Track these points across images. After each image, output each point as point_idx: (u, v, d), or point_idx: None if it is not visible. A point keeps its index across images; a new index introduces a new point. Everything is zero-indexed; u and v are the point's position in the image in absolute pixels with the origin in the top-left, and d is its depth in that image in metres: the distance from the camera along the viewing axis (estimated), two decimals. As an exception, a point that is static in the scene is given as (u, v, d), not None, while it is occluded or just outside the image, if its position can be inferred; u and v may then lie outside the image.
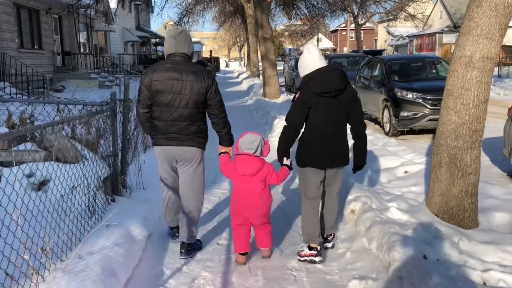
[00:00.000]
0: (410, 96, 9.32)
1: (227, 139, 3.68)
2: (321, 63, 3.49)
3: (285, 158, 3.55)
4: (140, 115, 3.59)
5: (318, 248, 3.60)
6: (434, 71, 10.87)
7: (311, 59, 3.49)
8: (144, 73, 3.52)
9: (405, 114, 9.25)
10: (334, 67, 4.01)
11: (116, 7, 29.94)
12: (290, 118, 3.49)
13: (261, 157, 3.46)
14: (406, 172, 5.43)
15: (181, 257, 3.61)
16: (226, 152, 3.65)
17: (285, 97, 15.13)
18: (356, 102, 3.60)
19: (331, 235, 3.83)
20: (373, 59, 12.16)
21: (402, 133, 9.70)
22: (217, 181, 5.75)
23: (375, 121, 11.61)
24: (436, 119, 9.54)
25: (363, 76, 12.18)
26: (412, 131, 9.68)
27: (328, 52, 65.71)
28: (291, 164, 3.57)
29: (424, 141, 9.18)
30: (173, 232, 3.91)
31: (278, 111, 11.26)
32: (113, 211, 3.66)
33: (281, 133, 3.56)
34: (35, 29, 17.90)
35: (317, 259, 3.56)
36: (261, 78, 27.73)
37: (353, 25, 69.72)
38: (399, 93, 9.47)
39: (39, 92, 13.46)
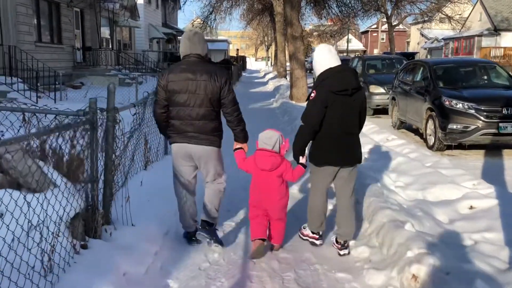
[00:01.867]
0: (460, 106, 8.04)
1: (242, 136, 3.75)
2: (335, 61, 3.54)
3: (301, 157, 3.61)
4: (157, 115, 3.68)
5: (320, 233, 3.80)
6: (485, 77, 9.52)
7: (323, 58, 3.56)
8: (160, 74, 3.67)
9: (454, 126, 7.99)
10: (347, 66, 3.90)
11: (143, 2, 29.54)
12: (307, 117, 3.52)
13: (279, 153, 3.52)
14: (471, 207, 4.24)
15: (198, 232, 3.72)
16: (241, 148, 3.76)
17: (314, 101, 13.97)
18: (365, 103, 3.68)
19: (346, 241, 3.73)
20: (415, 62, 10.90)
21: (449, 147, 8.45)
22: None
23: (416, 131, 10.34)
24: (492, 134, 8.51)
25: (402, 81, 10.92)
26: (460, 146, 8.41)
27: (358, 54, 64.01)
28: (306, 162, 3.64)
29: (476, 158, 7.91)
30: (189, 236, 3.87)
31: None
32: (79, 266, 2.63)
33: (298, 132, 3.60)
34: (55, 22, 17.24)
35: (317, 242, 3.80)
36: (288, 79, 26.71)
37: (384, 26, 68.02)
38: (447, 102, 8.20)
39: (50, 88, 12.68)
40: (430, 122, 8.67)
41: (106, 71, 19.39)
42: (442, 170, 5.47)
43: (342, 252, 3.66)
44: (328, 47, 3.71)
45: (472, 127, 7.87)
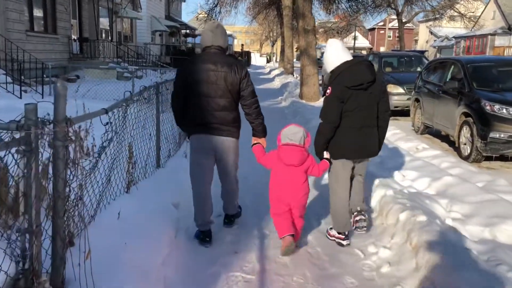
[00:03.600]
0: (505, 111, 6.91)
1: (261, 130, 3.73)
2: (346, 56, 3.57)
3: (324, 152, 3.64)
4: (174, 105, 3.68)
5: (346, 233, 3.72)
6: (527, 78, 8.37)
7: (335, 53, 3.58)
8: (181, 64, 3.70)
9: (497, 135, 6.85)
10: (361, 59, 3.87)
11: (145, -7, 28.36)
12: (326, 115, 3.54)
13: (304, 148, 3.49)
14: None
15: (225, 226, 3.98)
16: (258, 143, 3.71)
17: (326, 100, 12.83)
18: (385, 93, 3.68)
19: (362, 211, 3.73)
20: (444, 60, 9.75)
21: (487, 158, 7.32)
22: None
23: (443, 137, 9.20)
24: (540, 144, 7.45)
25: (428, 81, 9.77)
26: (501, 157, 7.28)
27: (364, 52, 62.69)
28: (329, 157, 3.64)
29: (521, 173, 6.80)
30: (203, 236, 3.69)
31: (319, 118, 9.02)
32: None
33: (318, 130, 3.62)
34: (49, 11, 16.09)
35: (344, 242, 3.70)
36: (295, 75, 25.54)
37: (392, 24, 66.72)
38: (488, 107, 7.06)
39: (41, 81, 11.55)
40: (465, 129, 7.53)
41: (104, 63, 18.25)
42: (503, 195, 4.34)
43: (360, 225, 3.68)
44: (339, 41, 3.72)
45: (519, 136, 6.74)
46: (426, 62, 14.40)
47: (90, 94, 11.13)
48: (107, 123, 2.76)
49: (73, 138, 2.12)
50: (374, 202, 4.18)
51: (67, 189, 2.23)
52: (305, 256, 3.43)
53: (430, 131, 9.83)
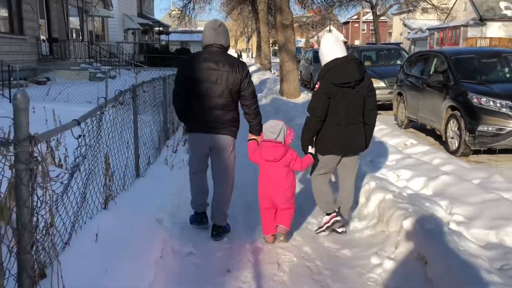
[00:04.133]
0: (492, 104, 6.78)
1: (258, 129, 3.77)
2: (341, 51, 3.62)
3: (309, 147, 3.71)
4: (175, 103, 3.74)
5: (337, 210, 3.78)
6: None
7: (329, 48, 3.63)
8: (182, 61, 3.77)
9: (486, 128, 6.72)
10: (351, 57, 3.80)
11: (115, -9, 27.57)
12: (312, 108, 3.63)
13: (284, 143, 3.55)
14: None
15: (213, 238, 3.75)
16: (254, 139, 3.78)
17: (306, 96, 12.58)
18: (372, 91, 3.73)
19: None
20: (426, 53, 9.62)
21: (475, 152, 7.20)
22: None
23: (427, 131, 9.07)
24: (531, 136, 7.34)
25: (410, 75, 9.63)
26: (488, 151, 7.16)
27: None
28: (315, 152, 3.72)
29: (510, 166, 6.68)
30: (199, 218, 3.86)
31: (303, 114, 8.74)
32: None
33: (305, 123, 3.70)
34: (15, 10, 15.35)
35: (338, 218, 3.76)
36: (272, 71, 25.27)
37: (366, 17, 67.13)
38: (475, 99, 6.92)
39: (8, 85, 10.93)
40: (452, 123, 7.39)
41: (75, 64, 17.61)
42: (502, 193, 4.16)
43: (340, 230, 3.76)
44: (335, 36, 3.72)
45: (508, 129, 6.62)
46: (405, 55, 14.36)
47: (61, 97, 10.62)
48: (79, 136, 2.41)
49: (40, 159, 1.76)
50: (372, 206, 3.93)
51: (35, 218, 1.88)
52: (304, 271, 3.15)
53: (414, 125, 9.70)
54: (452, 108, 7.44)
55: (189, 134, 3.76)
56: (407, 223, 3.23)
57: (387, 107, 12.97)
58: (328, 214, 3.78)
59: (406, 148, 6.76)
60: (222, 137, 3.61)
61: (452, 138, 7.41)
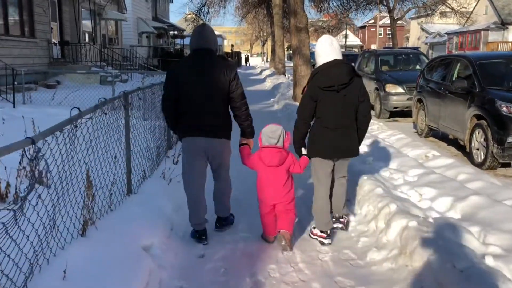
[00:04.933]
0: (524, 113, 6.20)
1: (249, 132, 3.78)
2: (334, 55, 3.58)
3: (302, 149, 3.78)
4: (165, 109, 3.66)
5: (328, 232, 3.80)
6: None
7: (323, 51, 3.62)
8: (170, 67, 3.68)
9: (517, 140, 6.15)
10: (340, 60, 3.65)
11: (130, -6, 27.44)
12: (299, 111, 3.72)
13: (283, 147, 3.59)
14: None
15: (216, 229, 3.87)
16: (246, 144, 3.79)
17: (321, 102, 12.05)
18: (364, 96, 3.66)
19: (342, 216, 3.95)
20: (449, 58, 9.06)
21: (503, 165, 6.62)
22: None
23: (449, 140, 8.49)
24: None
25: (431, 80, 9.06)
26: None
27: (355, 50, 62.08)
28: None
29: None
30: (198, 235, 3.75)
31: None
32: None
33: (294, 126, 3.76)
34: (26, 13, 15.18)
35: (326, 241, 3.77)
36: (287, 75, 24.79)
37: (383, 21, 66.23)
38: (504, 108, 6.35)
39: (16, 89, 10.65)
40: (478, 133, 6.82)
41: (87, 68, 17.40)
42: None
43: (336, 225, 3.90)
44: (330, 39, 3.69)
45: (541, 141, 6.04)
46: (425, 59, 13.75)
47: (67, 101, 10.28)
48: (33, 159, 1.96)
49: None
50: (393, 234, 3.42)
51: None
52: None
53: (435, 134, 9.12)
54: (478, 117, 6.87)
55: (182, 140, 3.66)
56: (435, 259, 2.72)
57: (406, 114, 12.40)
58: (320, 231, 3.81)
59: (428, 161, 6.21)
60: (217, 141, 3.58)
61: (478, 149, 6.84)
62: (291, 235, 3.64)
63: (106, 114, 3.24)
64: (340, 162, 3.77)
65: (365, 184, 4.42)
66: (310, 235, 3.89)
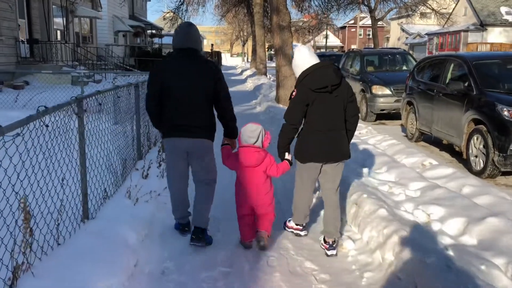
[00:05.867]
0: (527, 118, 5.72)
1: (233, 132, 3.74)
2: (313, 60, 3.56)
3: (286, 154, 3.66)
4: (149, 108, 3.61)
5: (304, 224, 3.89)
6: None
7: (303, 58, 3.57)
8: (154, 66, 3.66)
9: (520, 147, 5.67)
10: (328, 62, 3.68)
11: (105, -9, 26.45)
12: (289, 116, 3.57)
13: (262, 147, 3.56)
14: None
15: (192, 243, 3.60)
16: (228, 144, 3.73)
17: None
18: (352, 96, 3.63)
19: (334, 241, 3.65)
20: (441, 58, 8.56)
21: (503, 173, 6.15)
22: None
23: (441, 145, 8.01)
24: None
25: (422, 82, 8.57)
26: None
27: (335, 50, 61.98)
28: (291, 159, 3.68)
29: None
30: (182, 227, 3.84)
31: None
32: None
33: (281, 130, 3.64)
34: (-10, 9, 14.24)
35: (302, 233, 3.89)
36: (268, 76, 24.20)
37: (362, 22, 66.34)
38: (506, 113, 5.87)
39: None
40: (477, 139, 6.33)
41: (58, 67, 16.46)
42: None
43: (329, 253, 3.60)
44: (307, 47, 3.71)
45: (547, 148, 5.57)
46: (412, 60, 13.33)
47: (32, 104, 9.45)
48: None
49: None
50: (406, 270, 2.81)
51: None
52: None
53: (427, 138, 8.64)
54: (476, 121, 6.39)
55: (165, 140, 3.60)
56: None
57: (392, 116, 11.95)
58: (295, 224, 3.86)
59: (425, 170, 5.68)
60: (200, 141, 3.51)
61: (476, 156, 6.35)
62: (269, 236, 3.65)
63: (47, 126, 2.55)
64: (332, 167, 3.60)
65: (365, 204, 3.84)
66: (285, 228, 3.93)
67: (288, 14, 11.79)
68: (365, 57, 12.85)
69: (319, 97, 3.43)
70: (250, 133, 3.50)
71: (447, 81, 7.56)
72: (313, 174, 3.64)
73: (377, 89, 11.23)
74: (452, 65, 7.68)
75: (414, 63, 13.10)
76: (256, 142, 3.49)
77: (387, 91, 11.14)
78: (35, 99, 9.65)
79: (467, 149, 6.57)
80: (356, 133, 8.81)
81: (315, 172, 3.62)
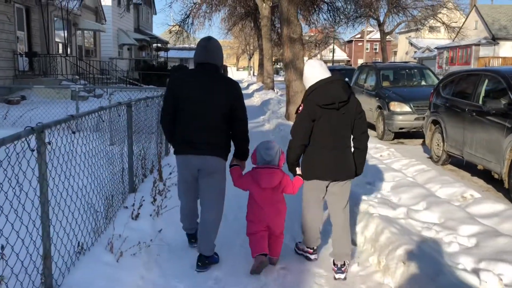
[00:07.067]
0: None
1: (244, 153, 3.65)
2: (323, 74, 3.49)
3: (297, 169, 3.59)
4: (163, 122, 3.57)
5: (315, 248, 3.74)
6: None
7: (313, 71, 3.51)
8: (171, 80, 3.57)
9: None
10: (337, 77, 3.52)
11: (110, 4, 26.00)
12: (295, 131, 3.50)
13: (278, 166, 3.49)
14: None
15: (197, 270, 3.53)
16: (237, 165, 3.63)
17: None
18: (361, 113, 3.51)
19: (344, 264, 3.49)
20: (472, 73, 7.72)
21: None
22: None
23: (476, 171, 7.13)
24: None
25: (450, 99, 7.74)
26: None
27: (342, 63, 61.38)
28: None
29: None
30: (189, 238, 3.85)
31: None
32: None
33: (288, 146, 3.57)
34: (-13, 21, 13.64)
35: (312, 257, 3.74)
36: (275, 90, 23.47)
37: (369, 36, 65.76)
38: (561, 137, 5.02)
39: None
40: (522, 166, 5.47)
41: (57, 82, 15.79)
42: None
43: (337, 276, 3.44)
44: (319, 61, 3.65)
45: None
46: (431, 74, 12.52)
47: (22, 121, 8.72)
48: None
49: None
50: None
51: None
52: None
53: (455, 161, 7.77)
54: (522, 146, 5.53)
55: (176, 157, 3.53)
56: None
57: (412, 135, 11.11)
58: (307, 247, 3.74)
59: (467, 204, 4.82)
60: (212, 159, 3.40)
61: (522, 186, 5.49)
62: (277, 260, 3.63)
63: (50, 143, 1.78)
64: (338, 186, 3.48)
65: (415, 262, 2.97)
66: (296, 251, 3.84)
67: (300, 26, 11.05)
68: (381, 72, 12.05)
69: (325, 113, 3.35)
70: (268, 151, 3.44)
71: (480, 98, 6.73)
72: (319, 193, 3.54)
73: (396, 106, 10.40)
74: (486, 81, 6.86)
75: (433, 77, 12.31)
76: (273, 161, 3.43)
77: (406, 108, 10.31)
78: (26, 116, 8.93)
79: (510, 177, 5.71)
80: (376, 155, 8.01)
81: (321, 190, 3.53)
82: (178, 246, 3.77)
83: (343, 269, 3.46)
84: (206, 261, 3.52)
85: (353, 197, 4.37)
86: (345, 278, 3.43)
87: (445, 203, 4.42)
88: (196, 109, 3.33)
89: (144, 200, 3.88)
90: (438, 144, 8.03)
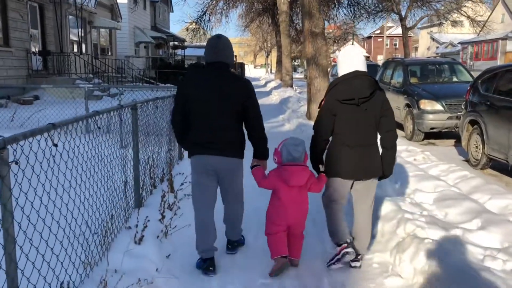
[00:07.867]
0: None
1: (263, 153, 3.56)
2: (352, 66, 3.35)
3: (320, 166, 3.53)
4: (175, 124, 3.51)
5: (348, 240, 3.51)
6: None
7: (346, 61, 3.40)
8: (181, 80, 3.55)
9: None
10: (361, 72, 3.34)
11: (126, 1, 25.64)
12: (316, 126, 3.47)
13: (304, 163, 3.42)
14: None
15: (227, 252, 3.72)
16: (258, 165, 3.53)
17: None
18: (387, 111, 3.38)
19: (359, 254, 3.54)
20: (517, 67, 6.96)
21: None
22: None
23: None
24: None
25: (492, 97, 7.00)
26: None
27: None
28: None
29: None
30: (206, 265, 3.41)
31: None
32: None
33: (311, 141, 3.54)
34: (-1, 19, 13.31)
35: (349, 249, 3.48)
36: (294, 88, 22.81)
37: (389, 31, 64.35)
38: None
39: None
40: None
41: (71, 81, 15.44)
42: None
43: (353, 264, 3.47)
44: (355, 49, 3.51)
45: None
46: (463, 70, 11.70)
47: (30, 123, 8.28)
48: None
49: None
50: None
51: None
52: None
53: (497, 165, 7.03)
54: None
55: (191, 158, 3.42)
56: None
57: (443, 135, 10.35)
58: (338, 245, 3.50)
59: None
60: (228, 159, 3.34)
61: None
62: (298, 261, 3.55)
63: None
64: (361, 185, 3.42)
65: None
66: (331, 263, 3.51)
67: (322, 20, 10.39)
68: (409, 67, 11.28)
69: (346, 109, 3.27)
70: (295, 147, 3.32)
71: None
72: (342, 190, 3.45)
73: (426, 104, 9.66)
74: (535, 77, 6.12)
75: (466, 73, 11.50)
76: (301, 157, 3.30)
77: (438, 107, 9.56)
78: (34, 117, 8.48)
79: None
80: (410, 159, 7.32)
81: (343, 189, 3.45)
82: (189, 280, 3.17)
83: (359, 257, 3.48)
84: (235, 244, 3.74)
85: (396, 215, 3.73)
86: (360, 266, 3.44)
87: (504, 221, 3.74)
88: (208, 108, 3.29)
89: (149, 220, 3.30)
90: (476, 147, 7.30)
